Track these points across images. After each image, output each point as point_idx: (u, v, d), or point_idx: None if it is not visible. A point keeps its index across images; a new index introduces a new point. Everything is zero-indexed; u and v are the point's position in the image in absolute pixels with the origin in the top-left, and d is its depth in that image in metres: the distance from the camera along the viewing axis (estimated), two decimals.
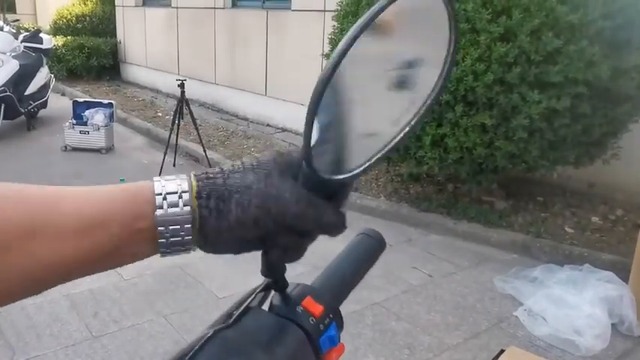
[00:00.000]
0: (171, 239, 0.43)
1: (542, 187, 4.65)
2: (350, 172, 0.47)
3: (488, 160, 3.70)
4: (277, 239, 0.48)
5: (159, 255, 0.45)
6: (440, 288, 3.25)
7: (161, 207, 0.43)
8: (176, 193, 0.43)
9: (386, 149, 0.48)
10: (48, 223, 0.41)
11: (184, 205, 0.43)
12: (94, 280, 3.16)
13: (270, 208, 0.45)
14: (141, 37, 10.01)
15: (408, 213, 4.30)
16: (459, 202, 4.28)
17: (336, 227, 0.48)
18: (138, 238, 0.43)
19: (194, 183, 0.45)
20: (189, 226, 0.43)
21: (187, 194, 0.44)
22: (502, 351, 1.75)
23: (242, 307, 0.51)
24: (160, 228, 0.43)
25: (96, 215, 0.42)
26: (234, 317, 0.49)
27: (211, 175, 0.46)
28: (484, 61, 3.39)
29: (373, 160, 0.48)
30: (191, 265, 3.41)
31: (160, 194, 0.43)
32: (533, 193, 4.56)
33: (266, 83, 7.09)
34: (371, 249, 0.65)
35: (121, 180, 4.47)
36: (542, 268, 3.33)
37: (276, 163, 0.47)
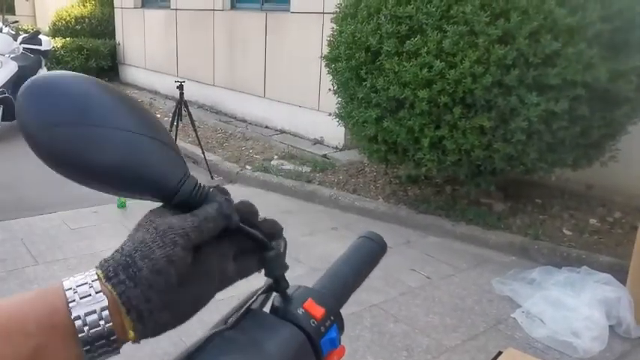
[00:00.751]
0: (92, 331, 0.40)
1: (540, 189, 4.66)
2: None
3: (487, 162, 3.71)
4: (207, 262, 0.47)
5: None
6: (438, 290, 3.25)
7: (73, 300, 0.41)
8: (86, 284, 0.41)
9: None
10: None
11: (97, 293, 0.41)
12: None
13: (172, 239, 0.43)
14: (140, 38, 10.02)
15: (407, 215, 4.30)
16: (458, 204, 4.28)
17: (228, 208, 0.48)
18: (58, 335, 0.40)
19: (99, 271, 0.43)
20: (106, 312, 0.41)
21: (97, 282, 0.42)
22: (500, 353, 1.75)
23: (243, 309, 0.51)
24: (76, 321, 0.40)
25: (9, 317, 0.40)
26: (235, 319, 0.50)
27: (108, 258, 0.44)
28: (482, 64, 3.39)
29: None
30: None
31: (70, 288, 0.41)
32: (531, 195, 4.56)
33: (265, 85, 7.09)
34: (372, 252, 0.66)
35: None
36: (540, 270, 3.33)
37: (151, 212, 0.47)
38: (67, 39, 10.43)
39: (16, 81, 6.46)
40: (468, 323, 2.89)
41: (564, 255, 3.59)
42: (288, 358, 0.48)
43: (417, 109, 3.68)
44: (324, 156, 5.79)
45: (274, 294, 0.54)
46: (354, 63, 4.02)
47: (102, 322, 0.40)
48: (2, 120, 6.27)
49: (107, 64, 10.61)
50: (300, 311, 0.51)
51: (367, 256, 0.65)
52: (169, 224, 0.44)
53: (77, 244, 3.72)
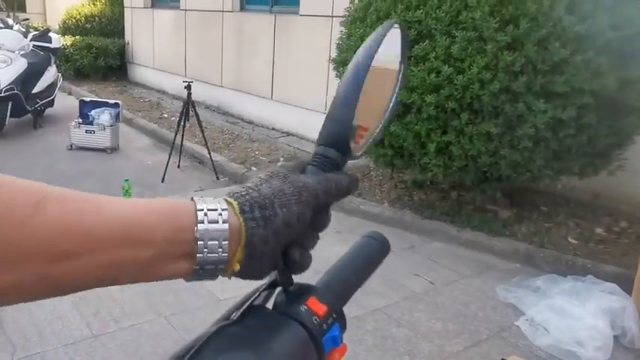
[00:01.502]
0: (209, 255, 0.44)
1: (546, 197, 4.64)
2: (358, 153, 0.58)
3: (493, 169, 3.70)
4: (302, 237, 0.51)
5: (187, 279, 0.46)
6: (441, 295, 3.24)
7: (202, 222, 0.44)
8: (216, 210, 0.45)
9: (372, 137, 0.61)
10: (98, 239, 0.40)
11: (223, 222, 0.45)
12: None
13: (307, 198, 0.49)
14: (149, 38, 10.06)
15: (412, 220, 4.29)
16: (463, 210, 4.27)
17: (355, 185, 0.55)
18: (178, 250, 0.43)
19: (233, 202, 0.47)
20: (226, 242, 0.44)
21: (226, 212, 0.45)
22: None
23: (246, 305, 0.52)
24: (199, 242, 0.43)
25: (140, 223, 0.42)
26: (238, 314, 0.50)
27: (244, 192, 0.48)
28: (490, 70, 3.39)
29: (368, 144, 0.61)
30: None
31: (202, 210, 0.44)
32: (537, 202, 4.54)
33: (272, 87, 7.10)
34: (375, 252, 0.66)
35: (125, 180, 4.47)
36: (544, 278, 3.32)
37: (285, 168, 0.52)
38: (77, 37, 10.49)
39: (25, 78, 6.50)
40: (471, 330, 2.88)
41: (569, 263, 3.57)
42: (290, 354, 0.48)
43: (424, 114, 3.67)
44: None
45: (277, 291, 0.54)
46: None
47: (219, 250, 0.44)
48: (10, 116, 6.31)
49: (116, 63, 10.66)
50: (303, 308, 0.52)
51: (370, 256, 0.65)
52: (304, 183, 0.50)
53: None
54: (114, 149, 6.09)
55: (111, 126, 6.04)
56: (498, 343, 2.77)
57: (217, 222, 0.44)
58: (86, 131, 5.95)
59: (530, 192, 4.64)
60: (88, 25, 11.14)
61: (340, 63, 4.39)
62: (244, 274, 0.48)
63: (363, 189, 4.90)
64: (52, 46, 7.33)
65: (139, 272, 0.43)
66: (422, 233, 4.16)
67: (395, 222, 4.31)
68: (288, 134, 6.89)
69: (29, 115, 6.77)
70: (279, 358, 0.47)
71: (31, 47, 6.96)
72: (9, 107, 6.23)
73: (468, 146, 3.60)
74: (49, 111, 7.46)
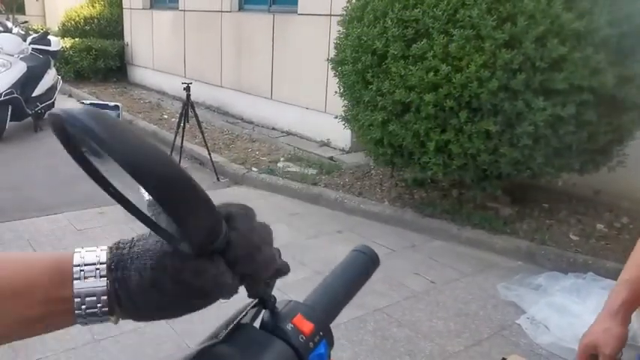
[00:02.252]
0: (88, 310, 0.44)
1: (547, 194, 4.63)
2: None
3: (493, 167, 3.69)
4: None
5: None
6: (442, 294, 3.24)
7: (78, 278, 0.44)
8: (94, 264, 0.45)
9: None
10: None
11: (101, 277, 0.44)
12: None
13: (166, 266, 0.45)
14: (148, 39, 10.06)
15: (412, 218, 4.29)
16: (464, 208, 4.27)
17: (230, 288, 0.46)
18: (59, 307, 0.44)
19: (108, 255, 0.46)
20: (105, 297, 0.44)
21: (104, 266, 0.45)
22: (504, 359, 1.74)
23: (234, 324, 0.52)
24: (76, 299, 0.44)
25: (26, 280, 0.44)
26: (225, 333, 0.50)
27: (121, 245, 0.47)
28: (489, 68, 3.38)
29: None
30: None
31: (78, 265, 0.44)
32: (538, 199, 4.54)
33: (272, 87, 7.10)
34: (364, 266, 0.66)
35: None
36: (546, 275, 3.32)
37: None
38: (76, 39, 10.49)
39: (24, 81, 6.50)
40: (472, 329, 2.88)
41: (571, 260, 3.57)
42: None
43: (422, 113, 3.67)
44: (331, 158, 5.79)
45: (264, 310, 0.54)
46: (360, 66, 4.02)
47: (99, 305, 0.44)
48: (10, 120, 6.31)
49: (115, 65, 10.65)
50: (289, 327, 0.52)
51: (359, 270, 0.65)
52: (179, 254, 0.45)
53: (83, 245, 3.72)
54: None
55: None
56: (499, 341, 2.77)
57: (94, 277, 0.44)
58: None
59: (532, 189, 4.63)
60: (88, 27, 11.15)
61: (338, 62, 4.39)
62: (136, 318, 0.47)
63: (363, 188, 4.90)
64: (51, 48, 7.33)
65: (26, 326, 0.45)
66: (422, 232, 4.16)
67: (395, 220, 4.31)
68: (289, 134, 6.89)
69: (30, 119, 6.77)
70: None
71: (30, 50, 6.96)
72: (9, 111, 6.24)
73: (467, 144, 3.59)
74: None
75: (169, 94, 9.43)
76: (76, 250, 0.46)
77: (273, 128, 7.13)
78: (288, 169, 5.42)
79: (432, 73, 3.55)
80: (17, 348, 2.55)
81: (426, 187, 4.75)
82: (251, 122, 7.50)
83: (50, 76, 7.24)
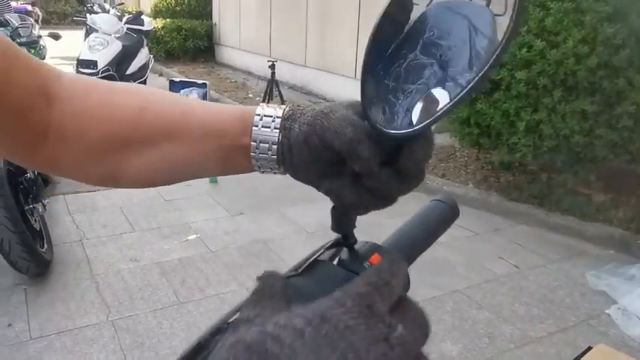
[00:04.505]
0: (260, 155, 0.50)
1: None
2: (410, 128, 0.45)
3: (587, 150, 3.49)
4: (333, 179, 0.49)
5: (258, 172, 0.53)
6: (526, 280, 3.12)
7: (257, 125, 0.49)
8: (271, 117, 0.49)
9: (449, 105, 0.43)
10: (183, 130, 0.52)
11: (275, 128, 0.49)
12: (183, 250, 3.30)
13: (317, 125, 0.47)
14: (235, 19, 10.26)
15: (497, 202, 4.14)
16: (553, 193, 4.07)
17: (366, 163, 0.45)
18: (241, 151, 0.51)
19: (287, 109, 0.50)
20: (275, 146, 0.49)
21: (279, 120, 0.49)
22: (589, 348, 1.64)
23: (311, 260, 0.52)
24: (252, 143, 0.49)
25: (215, 128, 0.52)
26: (303, 267, 0.51)
27: (302, 104, 0.51)
28: (588, 43, 3.18)
29: (438, 114, 0.43)
30: (274, 241, 3.48)
31: (259, 115, 0.49)
32: (636, 186, 4.25)
33: (356, 66, 7.05)
34: (443, 215, 0.65)
35: None
36: None
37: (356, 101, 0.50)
38: (167, 20, 10.89)
39: (120, 60, 6.82)
40: (556, 315, 2.75)
41: None
42: None
43: (513, 91, 3.52)
44: None
45: (342, 249, 0.54)
46: None
47: (269, 153, 0.49)
48: None
49: (204, 45, 10.97)
50: (366, 264, 0.52)
51: (438, 219, 0.64)
52: (332, 118, 0.47)
53: (170, 215, 3.90)
54: None
55: None
56: (586, 330, 2.63)
57: (269, 127, 0.49)
58: None
59: (630, 175, 4.34)
60: (178, 8, 11.53)
61: None
62: (294, 173, 0.51)
63: (447, 170, 4.79)
64: (144, 28, 7.64)
65: (218, 161, 0.52)
66: (507, 216, 4.01)
67: (479, 203, 4.18)
68: None
69: None
70: None
71: (125, 30, 7.28)
72: None
73: (560, 125, 3.41)
74: None
75: (255, 74, 9.61)
76: (260, 104, 0.51)
77: None
78: None
79: (524, 49, 3.39)
80: (110, 304, 2.71)
81: (513, 171, 4.57)
82: (333, 101, 7.49)
83: (143, 55, 7.56)
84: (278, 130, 0.49)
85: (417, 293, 3.01)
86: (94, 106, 0.52)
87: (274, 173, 0.52)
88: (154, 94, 0.54)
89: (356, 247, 0.54)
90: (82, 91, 0.53)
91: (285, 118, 0.49)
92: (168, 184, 0.56)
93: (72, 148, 0.52)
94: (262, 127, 0.49)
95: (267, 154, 0.49)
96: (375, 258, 0.53)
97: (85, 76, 0.58)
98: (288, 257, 3.23)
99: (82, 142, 0.51)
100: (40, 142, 0.52)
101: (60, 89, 0.52)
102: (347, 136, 0.45)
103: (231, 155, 0.51)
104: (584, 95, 3.31)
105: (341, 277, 0.50)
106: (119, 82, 0.54)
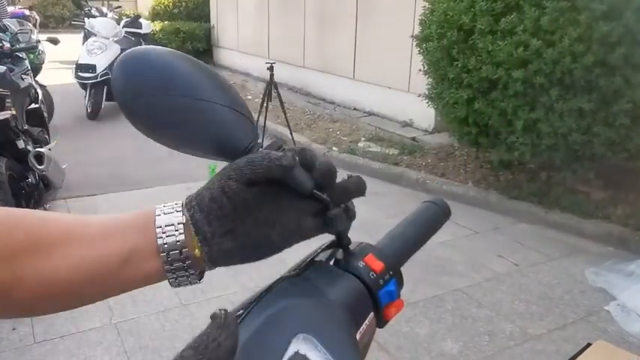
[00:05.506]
0: (167, 238, 0.46)
1: None
2: None
3: (585, 147, 3.51)
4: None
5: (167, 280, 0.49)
6: (526, 277, 3.14)
7: (159, 215, 0.47)
8: (171, 206, 0.48)
9: None
10: (77, 233, 0.46)
11: (177, 212, 0.47)
12: None
13: (228, 173, 0.47)
14: (233, 21, 10.28)
15: (497, 200, 4.16)
16: (552, 191, 4.09)
17: (295, 175, 0.49)
18: (146, 246, 0.46)
19: (184, 201, 0.48)
20: (182, 227, 0.46)
21: (179, 206, 0.47)
22: (589, 344, 1.66)
23: (308, 261, 0.55)
24: (157, 228, 0.46)
25: (114, 224, 0.47)
26: (301, 268, 0.54)
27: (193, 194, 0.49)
28: (584, 42, 3.20)
29: None
30: None
31: (159, 208, 0.47)
32: (634, 183, 4.26)
33: (354, 66, 7.07)
34: (435, 216, 0.67)
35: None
36: (639, 262, 3.13)
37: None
38: (165, 22, 10.92)
39: None
40: (556, 313, 2.77)
41: None
42: (347, 304, 0.50)
43: (510, 90, 3.53)
44: (413, 139, 5.70)
45: (338, 250, 0.57)
46: (445, 42, 3.92)
47: (176, 233, 0.46)
48: (106, 100, 6.68)
49: (202, 47, 10.98)
50: (361, 264, 0.54)
51: (430, 221, 0.66)
52: (230, 165, 0.48)
53: None
54: None
55: None
56: (585, 327, 2.65)
57: (172, 212, 0.47)
58: None
59: (628, 172, 4.35)
60: (176, 10, 11.56)
61: (423, 39, 4.30)
62: (218, 258, 0.48)
63: (446, 169, 4.81)
64: (142, 31, 7.68)
65: (121, 265, 0.46)
66: (507, 214, 4.03)
67: (479, 202, 4.21)
68: (370, 114, 6.85)
69: None
70: (337, 306, 0.49)
71: (123, 33, 7.32)
72: (104, 91, 6.61)
73: (557, 124, 3.43)
74: None
75: (253, 75, 9.62)
76: (157, 208, 0.48)
77: (355, 108, 7.12)
78: (369, 149, 5.40)
79: (521, 48, 3.40)
80: (113, 307, 2.73)
81: (512, 169, 4.59)
82: (333, 102, 7.52)
83: None
84: (180, 213, 0.47)
85: (418, 292, 3.04)
86: None
87: (190, 282, 0.49)
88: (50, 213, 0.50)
89: (350, 247, 0.56)
90: None
91: (186, 204, 0.47)
92: (71, 307, 0.48)
93: None
94: (165, 214, 0.47)
95: (174, 235, 0.46)
96: (370, 257, 0.55)
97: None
98: (290, 259, 3.24)
99: None
100: None
101: None
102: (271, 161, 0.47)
103: (136, 251, 0.46)
104: (581, 93, 3.32)
105: (336, 276, 0.53)
106: None
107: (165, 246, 0.46)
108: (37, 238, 0.45)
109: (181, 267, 0.47)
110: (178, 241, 0.46)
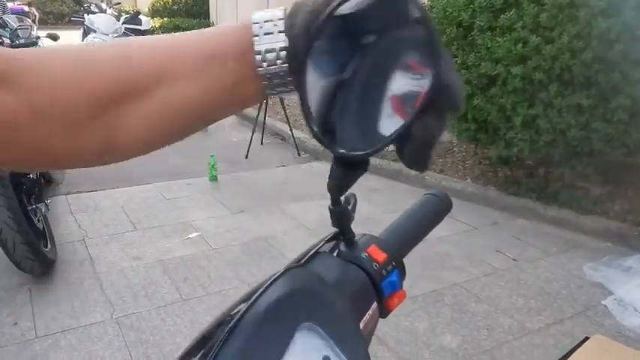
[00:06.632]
0: (269, 67, 0.42)
1: None
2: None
3: (584, 143, 3.52)
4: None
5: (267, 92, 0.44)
6: (524, 272, 3.15)
7: (257, 35, 0.42)
8: (271, 20, 0.42)
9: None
10: (177, 67, 0.43)
11: (279, 32, 0.41)
12: (185, 248, 3.34)
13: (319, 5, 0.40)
14: (232, 18, 10.26)
15: (495, 196, 4.18)
16: (550, 187, 4.10)
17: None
18: (248, 71, 0.42)
19: (289, 7, 0.43)
20: (284, 53, 0.41)
21: (282, 22, 0.42)
22: (586, 338, 1.68)
23: (312, 252, 0.55)
24: (256, 56, 0.42)
25: (210, 53, 0.43)
26: (305, 259, 0.54)
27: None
28: (583, 38, 3.21)
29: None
30: (275, 238, 3.51)
31: (257, 22, 0.42)
32: (633, 179, 4.27)
33: None
34: (436, 209, 0.68)
35: (211, 156, 4.63)
36: (637, 257, 3.15)
37: None
38: (165, 19, 10.93)
39: None
40: (554, 307, 2.79)
41: None
42: (350, 294, 0.51)
43: (509, 87, 3.55)
44: None
45: (341, 241, 0.58)
46: (444, 39, 3.94)
47: (278, 62, 0.41)
48: None
49: None
50: (364, 255, 0.55)
51: (431, 213, 0.68)
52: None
53: (171, 213, 3.93)
54: None
55: None
56: (583, 321, 2.67)
57: (272, 33, 0.41)
58: None
59: (627, 168, 4.36)
60: (175, 7, 11.57)
61: None
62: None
63: (445, 165, 4.82)
64: (142, 28, 7.67)
65: (224, 92, 0.44)
66: (506, 210, 4.05)
67: (477, 198, 4.22)
68: None
69: None
70: (341, 296, 0.50)
71: (122, 30, 7.32)
72: None
73: (556, 119, 3.44)
74: None
75: None
76: (254, 12, 0.43)
77: None
78: None
79: (520, 45, 3.42)
80: (114, 302, 2.75)
81: (510, 165, 4.60)
82: None
83: None
84: (283, 33, 0.41)
85: (417, 286, 3.06)
86: (68, 70, 0.43)
87: (289, 91, 0.44)
88: (135, 40, 0.46)
89: (354, 239, 0.57)
90: (52, 58, 0.44)
91: (289, 16, 0.42)
92: (177, 140, 0.47)
93: (55, 124, 0.42)
94: (264, 34, 0.42)
95: (275, 64, 0.42)
96: (373, 249, 0.57)
97: (55, 44, 0.49)
98: (290, 254, 3.26)
99: (65, 112, 0.42)
100: (13, 132, 0.41)
101: (20, 65, 0.42)
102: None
103: (239, 80, 0.43)
104: (579, 89, 3.33)
105: (340, 267, 0.54)
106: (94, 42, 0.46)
107: (268, 76, 0.42)
108: (130, 85, 0.43)
109: (281, 84, 0.43)
110: (281, 70, 0.42)
